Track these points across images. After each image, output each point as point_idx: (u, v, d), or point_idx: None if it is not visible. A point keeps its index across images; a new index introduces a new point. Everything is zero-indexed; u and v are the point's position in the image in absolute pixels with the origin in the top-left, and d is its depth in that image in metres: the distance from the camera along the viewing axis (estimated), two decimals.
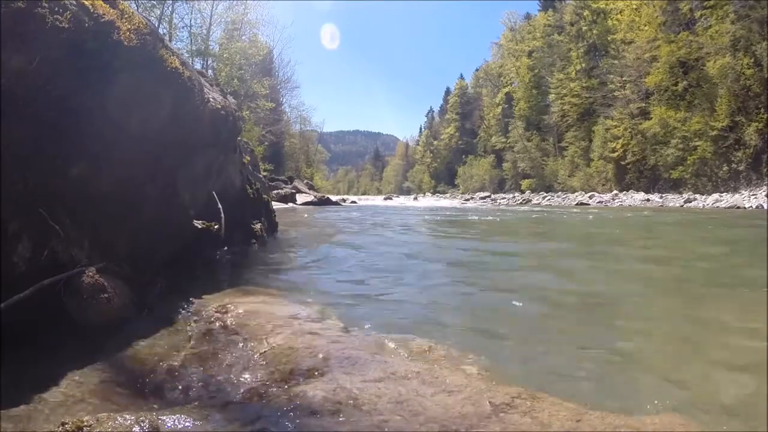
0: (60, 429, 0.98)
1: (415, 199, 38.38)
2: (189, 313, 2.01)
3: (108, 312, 1.64)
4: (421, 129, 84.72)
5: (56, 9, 1.51)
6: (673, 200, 20.17)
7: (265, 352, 1.55)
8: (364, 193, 78.80)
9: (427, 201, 33.82)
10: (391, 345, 1.71)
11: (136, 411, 1.08)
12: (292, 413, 1.11)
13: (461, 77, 66.09)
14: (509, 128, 46.40)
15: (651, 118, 26.57)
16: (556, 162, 38.08)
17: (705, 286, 3.02)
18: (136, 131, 1.95)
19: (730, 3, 23.07)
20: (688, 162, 23.95)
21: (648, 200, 21.35)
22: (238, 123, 3.47)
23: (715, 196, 19.60)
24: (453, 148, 63.26)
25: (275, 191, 17.68)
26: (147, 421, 1.01)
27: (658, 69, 26.81)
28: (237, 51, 23.33)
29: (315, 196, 21.30)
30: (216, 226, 3.05)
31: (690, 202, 19.11)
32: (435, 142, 69.90)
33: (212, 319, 1.91)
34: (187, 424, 1.04)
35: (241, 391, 1.27)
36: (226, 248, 3.24)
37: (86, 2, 1.64)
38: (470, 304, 2.55)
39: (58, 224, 1.61)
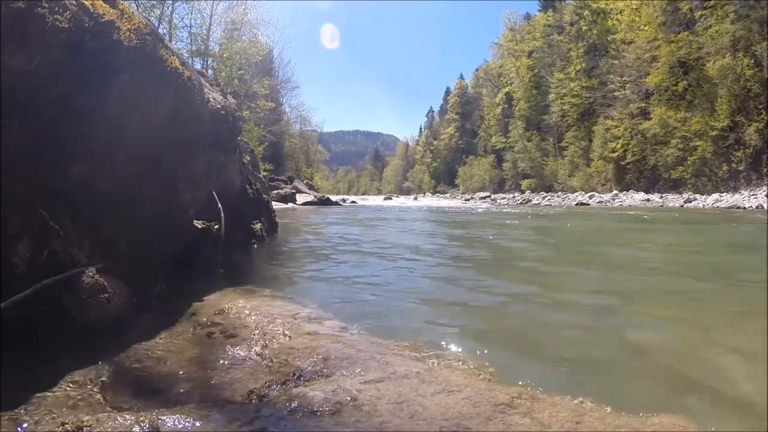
0: (60, 429, 0.98)
1: (415, 199, 38.39)
2: (189, 313, 2.01)
3: (108, 312, 1.64)
4: (421, 129, 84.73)
5: (56, 9, 1.51)
6: (673, 200, 20.16)
7: (264, 352, 1.55)
8: (364, 193, 78.79)
9: (428, 201, 33.84)
10: (391, 345, 1.71)
11: (136, 411, 1.08)
12: (292, 414, 1.11)
13: (461, 77, 66.10)
14: (509, 128, 46.37)
15: (651, 118, 26.55)
16: (556, 162, 38.06)
17: None
18: (137, 131, 1.94)
19: (730, 3, 23.06)
20: (688, 162, 23.94)
21: (648, 200, 21.34)
22: (238, 123, 3.47)
23: (715, 196, 19.59)
24: (453, 148, 63.23)
25: (275, 191, 17.70)
26: (147, 421, 1.01)
27: (658, 69, 26.79)
28: (237, 51, 23.31)
29: (315, 196, 21.31)
30: (216, 226, 3.05)
31: (690, 202, 19.10)
32: (435, 142, 69.87)
33: (212, 320, 1.91)
34: (187, 424, 1.04)
35: (241, 391, 1.27)
36: (225, 248, 3.23)
37: (86, 2, 1.64)
38: (471, 304, 2.55)
39: (58, 224, 1.61)
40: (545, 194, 31.86)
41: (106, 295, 1.64)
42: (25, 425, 1.06)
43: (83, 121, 1.70)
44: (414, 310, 2.36)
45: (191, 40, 22.85)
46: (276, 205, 7.24)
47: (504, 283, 3.12)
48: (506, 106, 48.07)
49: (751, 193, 18.56)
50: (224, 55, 23.10)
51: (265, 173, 16.41)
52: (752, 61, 21.55)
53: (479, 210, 17.11)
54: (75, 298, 1.57)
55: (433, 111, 79.98)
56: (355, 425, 1.06)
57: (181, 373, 1.41)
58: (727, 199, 17.83)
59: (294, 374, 1.36)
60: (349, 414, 1.11)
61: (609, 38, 32.34)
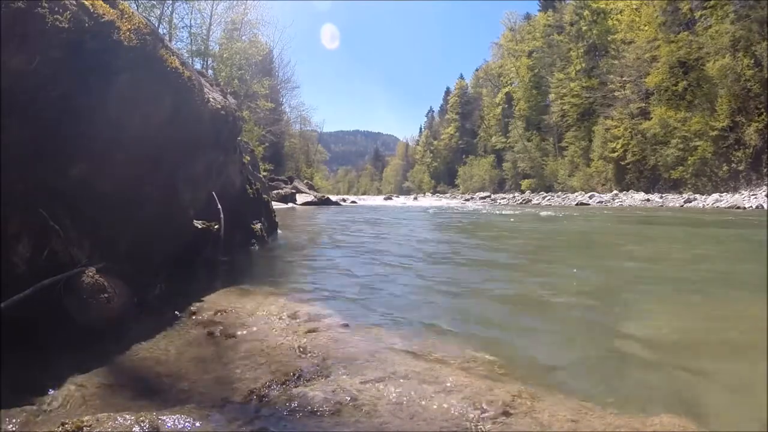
0: (60, 429, 0.98)
1: (415, 199, 38.40)
2: (189, 313, 2.01)
3: (108, 312, 1.64)
4: (421, 129, 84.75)
5: (56, 9, 1.51)
6: (673, 200, 20.16)
7: (264, 352, 1.55)
8: (364, 193, 78.79)
9: (428, 201, 33.87)
10: (391, 345, 1.71)
11: (136, 411, 1.08)
12: (291, 414, 1.11)
13: (461, 77, 66.11)
14: (509, 128, 46.38)
15: (651, 118, 26.56)
16: (556, 162, 38.06)
17: None
18: (137, 131, 1.94)
19: (730, 3, 23.06)
20: (688, 162, 23.94)
21: (648, 200, 21.34)
22: (238, 123, 3.47)
23: (715, 196, 19.59)
24: (453, 148, 63.24)
25: (275, 191, 17.70)
26: (147, 421, 1.01)
27: (658, 69, 26.79)
28: (237, 51, 23.31)
29: (315, 196, 21.31)
30: (216, 226, 3.05)
31: (690, 202, 19.10)
32: (435, 142, 69.87)
33: (212, 319, 1.91)
34: (187, 424, 1.04)
35: (241, 391, 1.27)
36: (225, 248, 3.23)
37: (86, 2, 1.64)
38: (471, 304, 2.55)
39: (58, 224, 1.61)
40: (545, 194, 31.85)
41: (106, 295, 1.64)
42: (25, 425, 1.06)
43: (83, 121, 1.70)
44: (414, 310, 2.36)
45: (191, 40, 22.88)
46: (276, 205, 7.24)
47: (506, 284, 3.12)
48: (506, 106, 48.07)
49: (751, 193, 18.56)
50: (224, 55, 23.11)
51: (265, 173, 16.41)
52: (752, 61, 21.55)
53: (480, 210, 17.11)
54: (75, 298, 1.57)
55: (433, 111, 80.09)
56: (355, 425, 1.06)
57: (181, 373, 1.41)
58: (727, 199, 17.82)
59: (294, 374, 1.36)
60: (349, 414, 1.11)
61: (609, 38, 32.35)
